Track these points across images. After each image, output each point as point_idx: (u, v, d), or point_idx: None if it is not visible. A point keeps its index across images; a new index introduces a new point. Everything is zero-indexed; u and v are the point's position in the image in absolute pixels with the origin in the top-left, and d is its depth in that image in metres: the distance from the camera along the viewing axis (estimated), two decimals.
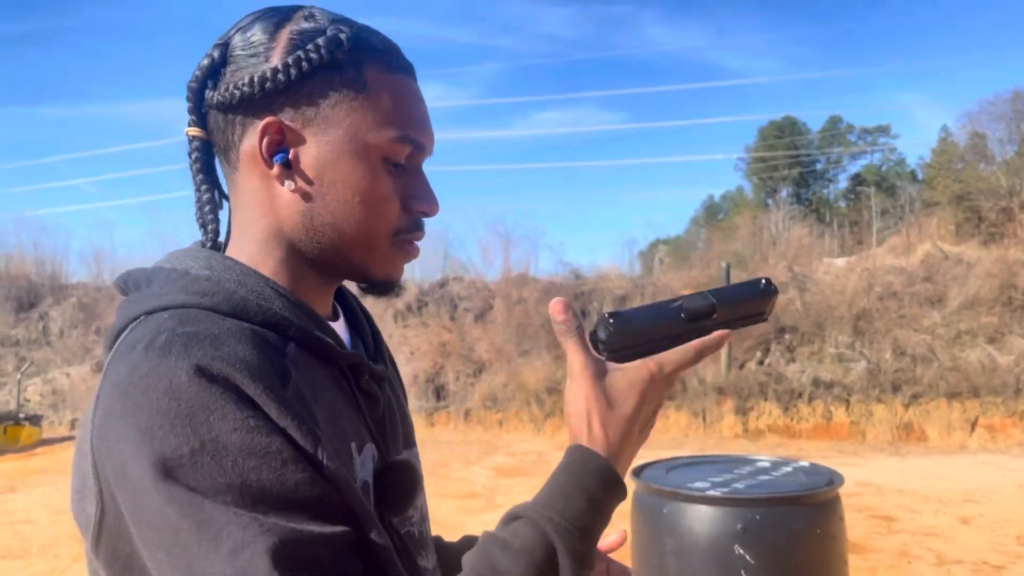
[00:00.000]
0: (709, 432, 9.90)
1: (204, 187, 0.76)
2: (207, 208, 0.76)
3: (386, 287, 0.78)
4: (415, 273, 13.66)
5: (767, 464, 2.98)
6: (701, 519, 2.71)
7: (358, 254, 0.75)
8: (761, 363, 10.63)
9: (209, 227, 0.76)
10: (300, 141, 0.72)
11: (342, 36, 0.71)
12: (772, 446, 9.08)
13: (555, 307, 0.70)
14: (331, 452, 0.64)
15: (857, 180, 47.94)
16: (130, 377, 0.61)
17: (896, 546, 5.26)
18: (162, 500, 0.58)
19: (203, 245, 0.77)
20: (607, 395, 0.69)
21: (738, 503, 2.64)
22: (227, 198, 0.78)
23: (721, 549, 2.72)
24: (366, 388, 0.77)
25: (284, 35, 0.72)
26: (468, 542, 0.93)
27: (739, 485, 2.76)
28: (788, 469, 2.91)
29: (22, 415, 9.96)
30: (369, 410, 0.77)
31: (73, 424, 9.94)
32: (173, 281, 0.70)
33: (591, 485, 0.66)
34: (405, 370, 10.85)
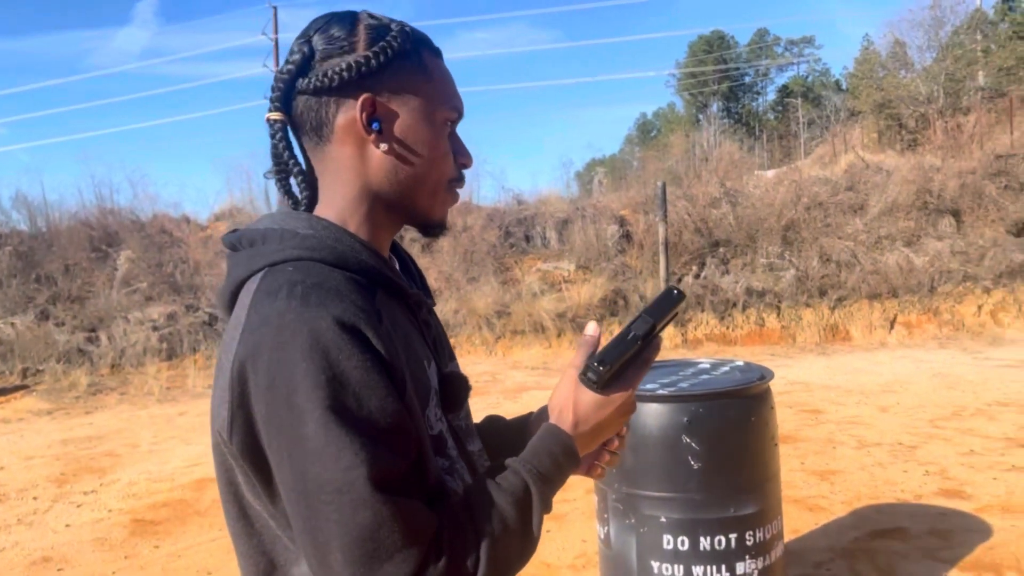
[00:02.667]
0: None
1: (292, 161, 0.96)
2: (296, 178, 0.96)
3: (440, 228, 1.01)
4: None
5: (708, 365, 3.39)
6: (652, 415, 3.13)
7: (426, 198, 0.97)
8: (697, 276, 11.13)
9: (303, 194, 0.97)
10: (388, 111, 0.93)
11: (407, 29, 0.94)
12: (710, 353, 9.63)
13: (591, 327, 0.98)
14: (412, 377, 0.88)
15: (784, 92, 48.66)
16: (280, 318, 0.80)
17: (823, 435, 5.81)
18: (300, 413, 0.77)
19: (293, 207, 0.97)
20: (582, 400, 0.94)
21: (683, 399, 3.07)
22: (304, 171, 0.97)
23: (670, 439, 3.16)
24: (424, 319, 1.01)
25: (361, 30, 0.93)
26: (492, 420, 1.20)
27: (684, 384, 3.18)
28: (726, 368, 3.33)
29: None
30: (427, 335, 1.00)
31: (25, 373, 9.90)
32: (287, 240, 0.90)
33: (558, 453, 0.92)
34: None
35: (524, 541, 0.86)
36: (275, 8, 26.88)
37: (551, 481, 0.90)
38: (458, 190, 1.02)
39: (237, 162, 20.68)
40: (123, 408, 8.46)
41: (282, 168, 0.97)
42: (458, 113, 0.98)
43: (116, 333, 10.35)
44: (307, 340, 0.79)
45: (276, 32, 26.75)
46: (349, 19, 0.95)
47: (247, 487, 0.88)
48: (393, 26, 0.94)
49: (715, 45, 49.05)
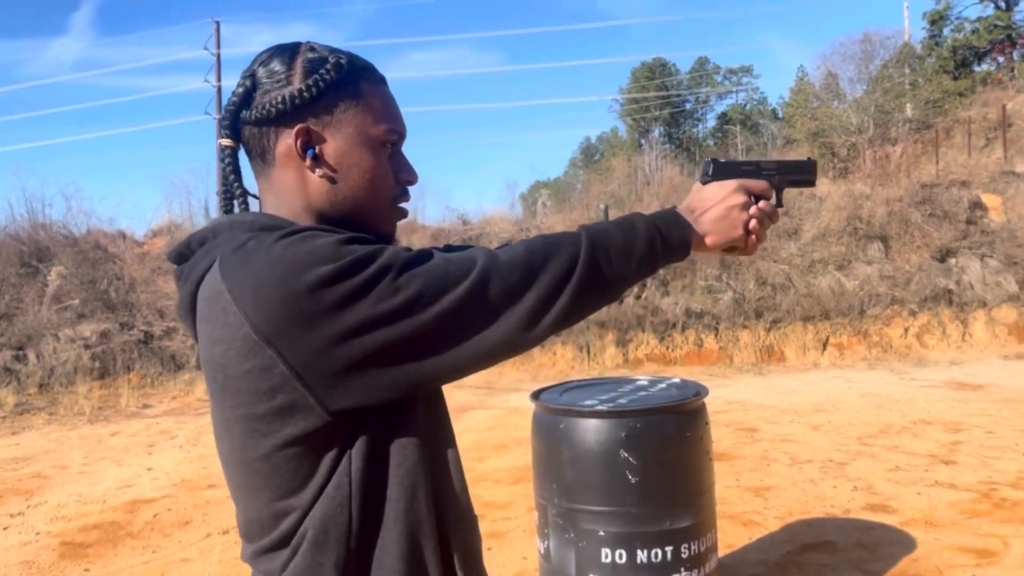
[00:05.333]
0: (593, 364, 10.53)
1: (236, 185, 1.03)
2: (239, 200, 1.03)
3: (387, 241, 1.04)
4: None
5: (646, 382, 3.48)
6: (591, 430, 3.20)
7: (369, 218, 1.02)
8: (638, 297, 11.32)
9: (240, 210, 1.03)
10: (322, 139, 0.98)
11: (342, 61, 0.99)
12: (650, 373, 9.78)
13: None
14: None
15: (724, 119, 49.88)
16: (266, 251, 0.86)
17: (757, 452, 5.96)
18: (374, 278, 0.85)
19: None
20: (697, 192, 1.09)
21: (622, 414, 3.15)
22: (251, 193, 1.04)
23: (609, 454, 3.23)
24: None
25: (299, 63, 0.98)
26: None
27: (623, 400, 3.25)
28: (663, 385, 3.42)
29: None
30: None
31: None
32: (237, 228, 0.95)
33: (669, 215, 1.04)
34: None
35: (626, 253, 0.98)
36: (217, 23, 26.58)
37: (658, 228, 1.01)
38: (404, 205, 1.07)
39: (177, 177, 20.31)
40: (52, 429, 8.18)
41: (228, 189, 1.03)
42: (398, 135, 1.03)
43: (45, 351, 10.02)
44: (307, 245, 0.87)
45: (218, 47, 26.42)
46: (289, 52, 1.00)
47: (280, 394, 0.87)
48: (331, 58, 0.99)
49: (657, 72, 50.04)
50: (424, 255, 0.90)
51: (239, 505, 0.98)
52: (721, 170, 1.11)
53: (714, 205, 1.06)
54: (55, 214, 12.93)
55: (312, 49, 1.00)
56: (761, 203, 1.09)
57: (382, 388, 0.87)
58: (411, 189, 1.08)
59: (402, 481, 0.92)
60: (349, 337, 0.84)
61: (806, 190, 14.09)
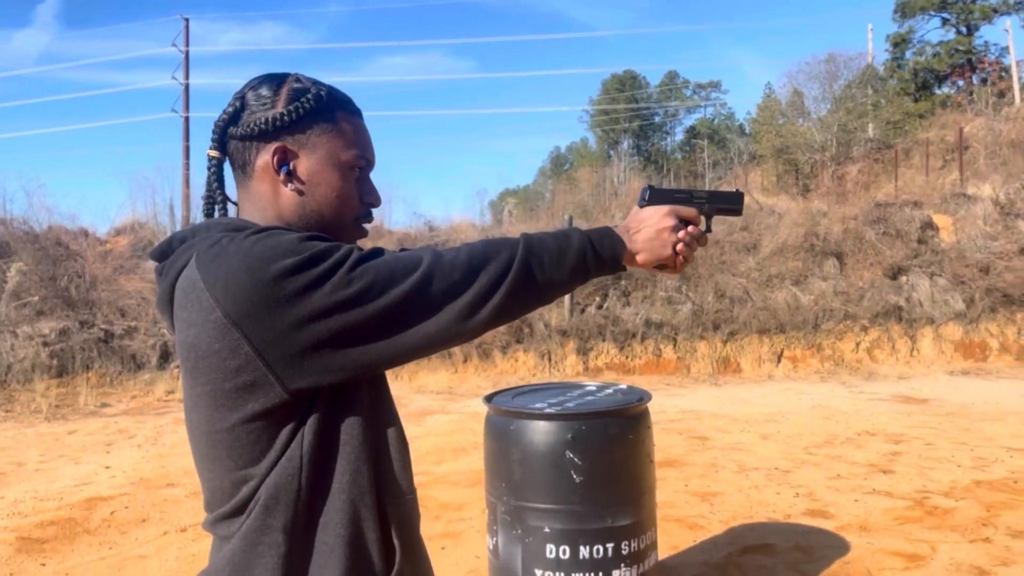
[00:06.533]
0: (554, 371, 10.69)
1: (218, 192, 1.17)
2: (219, 205, 1.17)
3: None
4: None
5: (594, 388, 3.66)
6: (539, 432, 3.36)
7: (332, 232, 1.16)
8: (600, 307, 11.51)
9: (220, 215, 1.17)
10: (296, 157, 1.13)
11: (322, 93, 1.14)
12: (609, 381, 9.95)
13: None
14: None
15: (692, 133, 50.53)
16: (237, 246, 0.98)
17: (707, 460, 6.15)
18: (332, 271, 0.98)
19: None
20: (635, 215, 1.23)
21: (568, 417, 3.33)
22: (231, 200, 1.18)
23: (556, 455, 3.41)
24: None
25: (284, 91, 1.14)
26: None
27: (570, 404, 3.42)
28: (609, 391, 3.60)
29: None
30: None
31: None
32: (215, 225, 1.09)
33: (603, 231, 1.17)
34: None
35: (559, 260, 1.10)
36: (187, 20, 26.37)
37: (589, 242, 1.14)
38: (366, 226, 1.22)
39: (142, 175, 20.04)
40: (8, 426, 8.12)
41: (211, 196, 1.17)
42: (366, 161, 1.18)
43: (3, 348, 9.92)
44: (273, 240, 1.00)
45: (187, 44, 26.22)
46: (277, 81, 1.15)
47: (245, 373, 0.99)
48: (313, 89, 1.14)
49: (627, 84, 50.56)
50: (376, 252, 1.05)
51: (203, 476, 1.10)
52: (657, 196, 1.27)
53: (647, 227, 1.21)
54: (16, 209, 12.84)
55: (298, 80, 1.15)
56: (690, 228, 1.24)
57: (335, 369, 1.00)
58: (375, 208, 1.23)
59: (348, 457, 1.05)
60: (307, 322, 0.98)
61: (767, 207, 14.43)
